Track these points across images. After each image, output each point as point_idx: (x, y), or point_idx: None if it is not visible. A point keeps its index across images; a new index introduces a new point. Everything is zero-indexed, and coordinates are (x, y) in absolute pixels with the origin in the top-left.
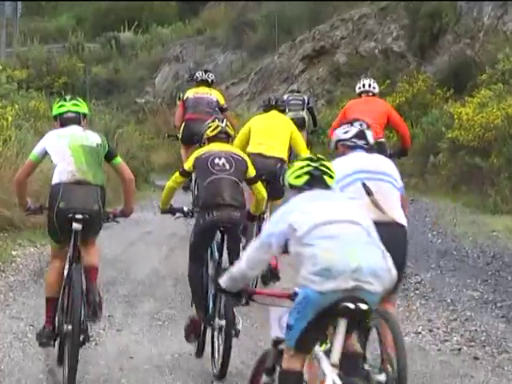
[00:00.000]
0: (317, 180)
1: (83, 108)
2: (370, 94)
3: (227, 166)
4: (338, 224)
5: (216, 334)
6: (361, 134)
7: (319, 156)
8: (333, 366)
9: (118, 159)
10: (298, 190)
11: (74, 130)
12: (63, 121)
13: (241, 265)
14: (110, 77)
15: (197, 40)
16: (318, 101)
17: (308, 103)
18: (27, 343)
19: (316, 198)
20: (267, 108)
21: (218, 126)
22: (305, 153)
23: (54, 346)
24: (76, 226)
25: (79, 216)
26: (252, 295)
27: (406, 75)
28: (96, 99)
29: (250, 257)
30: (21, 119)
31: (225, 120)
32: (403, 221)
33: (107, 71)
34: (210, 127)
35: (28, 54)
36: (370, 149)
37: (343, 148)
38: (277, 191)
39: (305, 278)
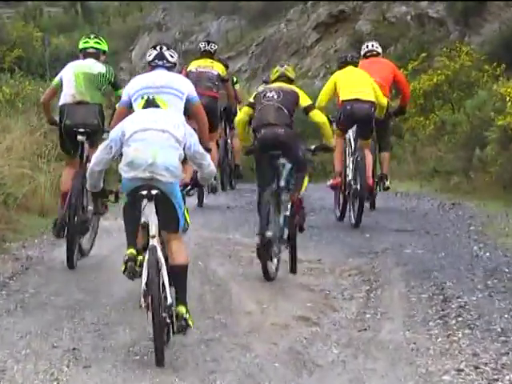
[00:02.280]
0: (150, 103)
1: (103, 46)
2: (375, 52)
3: (275, 97)
4: (150, 131)
5: None
6: (160, 56)
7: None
8: (152, 237)
9: (120, 91)
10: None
11: (85, 61)
12: (85, 55)
13: (91, 162)
14: (75, 49)
15: (184, 3)
16: None
17: None
18: None
19: (145, 113)
20: (344, 64)
21: (277, 71)
22: (384, 102)
23: (64, 236)
24: (80, 138)
25: (82, 130)
26: (118, 195)
27: (445, 47)
28: None
29: (97, 156)
30: None
31: (285, 65)
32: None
33: (71, 42)
34: (272, 72)
35: None
36: (170, 66)
37: (149, 68)
38: (368, 132)
39: (120, 168)
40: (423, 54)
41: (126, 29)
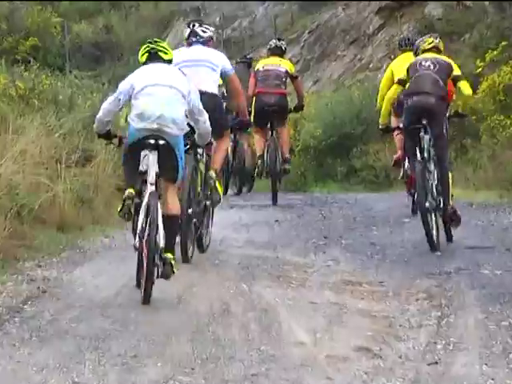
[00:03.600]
0: (153, 56)
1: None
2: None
3: (431, 67)
4: (158, 86)
5: None
6: (194, 33)
7: (156, 39)
8: (150, 184)
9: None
10: (143, 64)
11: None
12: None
13: (99, 113)
14: (98, 38)
15: None
16: None
17: None
18: None
19: (151, 68)
20: (401, 51)
21: (432, 41)
22: None
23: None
24: None
25: None
26: (121, 139)
27: None
28: (79, 70)
29: (105, 107)
30: None
31: (438, 37)
32: (212, 90)
33: (95, 30)
34: (426, 41)
35: None
36: (204, 41)
37: (187, 44)
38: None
39: (130, 118)
40: (503, 43)
41: (158, 15)
